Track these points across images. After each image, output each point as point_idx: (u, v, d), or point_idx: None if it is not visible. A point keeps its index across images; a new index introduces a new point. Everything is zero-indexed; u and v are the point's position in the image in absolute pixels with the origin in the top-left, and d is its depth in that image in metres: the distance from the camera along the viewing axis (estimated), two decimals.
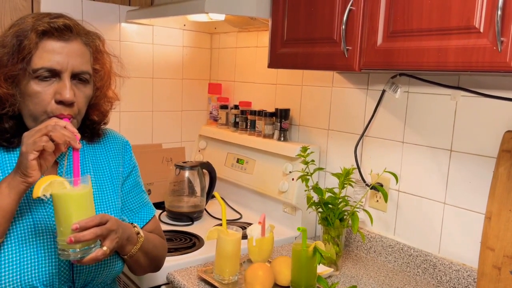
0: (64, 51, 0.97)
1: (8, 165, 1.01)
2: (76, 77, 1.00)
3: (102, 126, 1.18)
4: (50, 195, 0.91)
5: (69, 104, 0.98)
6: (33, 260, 0.97)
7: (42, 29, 0.95)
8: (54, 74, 0.97)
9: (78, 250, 0.92)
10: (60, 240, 0.92)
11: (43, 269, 0.98)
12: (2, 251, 0.94)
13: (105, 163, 1.17)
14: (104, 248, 0.95)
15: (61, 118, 0.96)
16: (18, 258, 0.95)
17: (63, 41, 0.98)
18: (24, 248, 0.96)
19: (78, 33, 1.01)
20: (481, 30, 0.99)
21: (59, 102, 0.97)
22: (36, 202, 1.00)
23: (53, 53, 0.96)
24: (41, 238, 0.99)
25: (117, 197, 1.17)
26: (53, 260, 0.99)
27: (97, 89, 1.09)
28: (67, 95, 0.96)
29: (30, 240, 0.97)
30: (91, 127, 1.13)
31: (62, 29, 0.98)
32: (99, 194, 1.13)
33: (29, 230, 0.98)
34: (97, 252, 0.93)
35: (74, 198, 0.92)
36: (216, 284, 1.33)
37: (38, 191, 0.90)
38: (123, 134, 2.13)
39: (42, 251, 0.98)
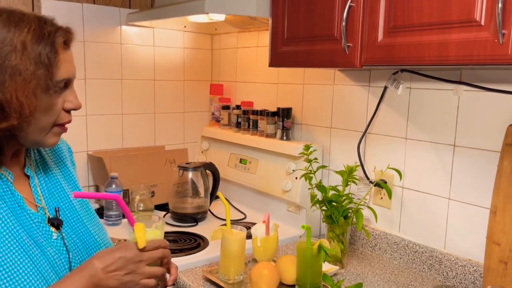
0: (71, 59, 0.94)
1: None
2: None
3: None
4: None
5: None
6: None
7: (64, 40, 0.91)
8: (67, 84, 0.93)
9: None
10: None
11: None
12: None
13: (65, 164, 1.12)
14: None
15: (65, 125, 0.95)
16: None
17: (69, 48, 0.95)
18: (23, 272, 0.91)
19: None
20: (482, 23, 0.98)
21: (68, 110, 0.94)
22: (44, 238, 0.95)
23: (68, 63, 0.92)
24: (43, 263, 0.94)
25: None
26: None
27: None
28: (79, 102, 0.95)
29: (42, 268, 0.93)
30: None
31: (73, 37, 0.94)
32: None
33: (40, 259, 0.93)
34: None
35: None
36: (221, 284, 1.33)
37: (145, 242, 0.93)
38: (126, 137, 2.15)
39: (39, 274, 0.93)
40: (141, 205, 1.84)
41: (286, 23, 1.48)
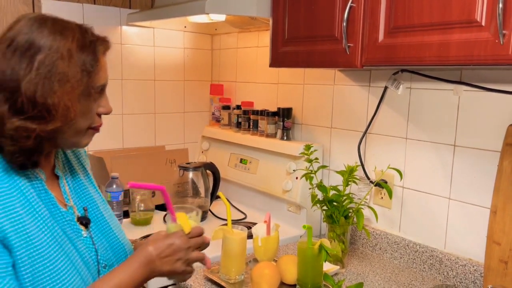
0: (106, 66, 0.98)
1: (27, 190, 0.91)
2: None
3: None
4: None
5: None
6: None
7: (103, 49, 0.96)
8: (102, 89, 0.98)
9: None
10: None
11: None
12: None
13: (84, 166, 1.15)
14: None
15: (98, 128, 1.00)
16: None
17: (105, 56, 0.99)
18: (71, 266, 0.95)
19: None
20: (483, 24, 0.99)
21: (100, 114, 0.99)
22: (75, 235, 0.98)
23: (104, 70, 0.97)
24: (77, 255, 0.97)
25: None
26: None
27: None
28: (111, 107, 1.00)
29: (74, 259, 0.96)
30: None
31: (110, 46, 0.99)
32: (100, 197, 1.12)
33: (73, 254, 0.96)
34: None
35: None
36: (222, 283, 1.33)
37: (190, 228, 1.03)
38: (126, 137, 2.15)
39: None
40: (142, 205, 1.84)
41: (287, 23, 1.49)
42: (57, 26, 0.89)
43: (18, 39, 0.87)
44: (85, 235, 1.00)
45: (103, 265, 1.01)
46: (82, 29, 0.93)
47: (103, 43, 0.96)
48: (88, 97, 0.92)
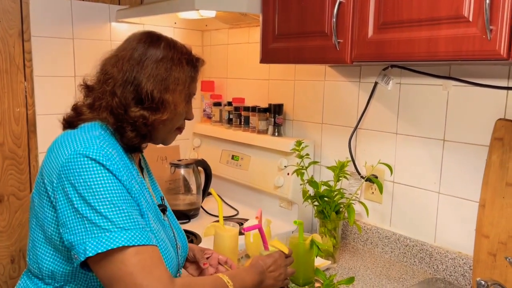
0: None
1: (129, 168, 1.03)
2: None
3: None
4: None
5: None
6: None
7: (201, 67, 1.14)
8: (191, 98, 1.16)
9: None
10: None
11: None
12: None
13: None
14: None
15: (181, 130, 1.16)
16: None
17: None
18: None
19: None
20: (470, 19, 1.00)
21: (185, 119, 1.15)
22: (160, 224, 1.11)
23: (197, 83, 1.14)
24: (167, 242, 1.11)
25: None
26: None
27: None
28: (193, 114, 1.18)
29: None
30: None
31: (204, 64, 1.17)
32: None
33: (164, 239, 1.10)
34: None
35: None
36: None
37: (287, 249, 1.23)
38: None
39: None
40: None
41: (277, 19, 1.49)
42: (170, 41, 1.08)
43: (139, 48, 1.04)
44: (164, 219, 1.14)
45: (179, 245, 1.16)
46: (186, 47, 1.12)
47: (201, 61, 1.14)
48: (188, 101, 1.11)
